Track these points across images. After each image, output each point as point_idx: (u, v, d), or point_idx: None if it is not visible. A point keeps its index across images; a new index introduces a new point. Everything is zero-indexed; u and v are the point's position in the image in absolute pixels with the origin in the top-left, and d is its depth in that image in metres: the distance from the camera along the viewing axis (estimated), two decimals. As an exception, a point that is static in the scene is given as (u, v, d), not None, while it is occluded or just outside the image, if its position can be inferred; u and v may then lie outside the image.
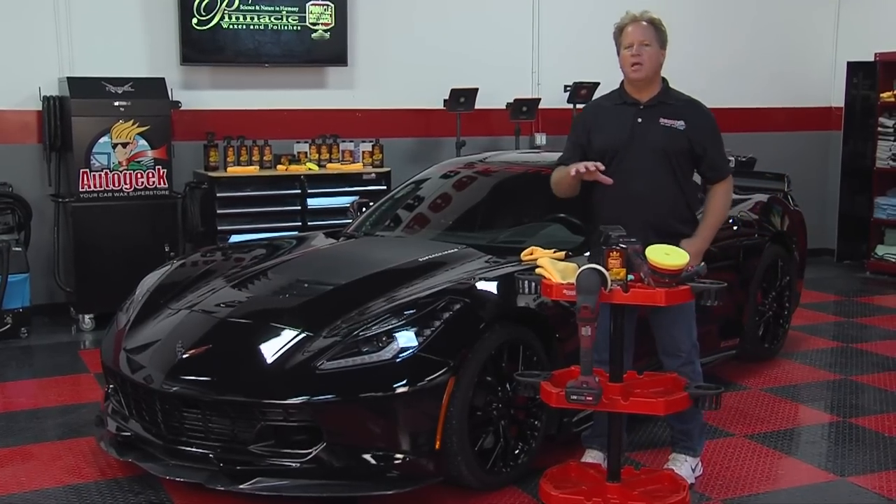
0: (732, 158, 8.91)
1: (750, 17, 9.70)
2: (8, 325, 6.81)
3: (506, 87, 8.49)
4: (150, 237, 7.12)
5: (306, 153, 7.85)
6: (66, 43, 7.35)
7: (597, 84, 8.22)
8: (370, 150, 7.97)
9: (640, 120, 4.19)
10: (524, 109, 8.40)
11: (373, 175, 7.84)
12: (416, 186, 5.95)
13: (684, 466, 4.28)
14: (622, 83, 4.30)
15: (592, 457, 4.37)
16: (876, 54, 9.10)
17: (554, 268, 3.87)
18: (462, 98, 8.21)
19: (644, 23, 4.16)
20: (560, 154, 4.47)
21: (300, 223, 7.57)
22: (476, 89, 8.23)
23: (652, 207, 4.12)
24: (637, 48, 4.12)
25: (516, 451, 4.31)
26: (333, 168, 7.83)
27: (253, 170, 7.58)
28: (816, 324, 7.29)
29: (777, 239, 6.30)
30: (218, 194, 7.38)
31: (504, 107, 8.47)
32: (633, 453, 4.66)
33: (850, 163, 9.52)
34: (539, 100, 8.51)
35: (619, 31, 4.22)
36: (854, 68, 9.39)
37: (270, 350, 4.12)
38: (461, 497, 4.18)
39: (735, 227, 5.90)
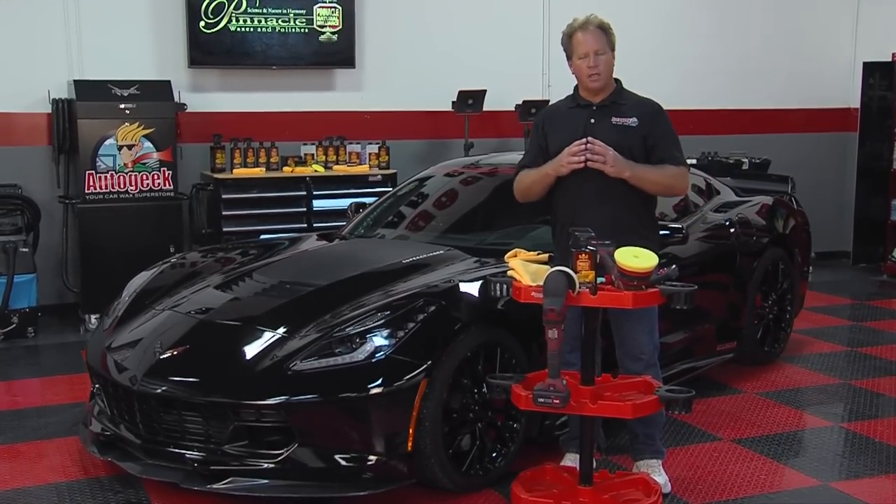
0: (747, 161, 8.92)
1: (765, 16, 9.58)
2: (14, 325, 6.91)
3: (515, 89, 8.45)
4: (156, 238, 7.17)
5: (313, 155, 7.89)
6: (75, 46, 7.44)
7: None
8: (377, 151, 7.99)
9: (592, 121, 4.18)
10: (533, 111, 8.35)
11: (378, 177, 7.85)
12: (410, 189, 5.97)
13: (661, 474, 4.25)
14: (576, 87, 4.29)
15: (571, 460, 4.33)
16: (894, 54, 8.98)
17: (525, 270, 3.85)
18: (470, 100, 8.21)
19: (593, 28, 4.13)
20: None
21: (306, 225, 7.60)
22: (484, 91, 8.23)
23: (608, 207, 4.08)
24: (593, 59, 4.11)
25: (494, 454, 4.30)
26: (339, 170, 7.86)
27: (259, 171, 7.62)
28: (823, 327, 7.19)
29: (778, 241, 6.23)
30: (223, 196, 7.43)
31: (513, 108, 8.45)
32: (615, 456, 4.62)
33: (866, 165, 9.40)
34: (548, 101, 8.46)
35: (567, 39, 4.20)
36: (870, 69, 9.26)
37: (245, 351, 4.15)
38: (437, 499, 4.18)
39: (732, 230, 5.85)
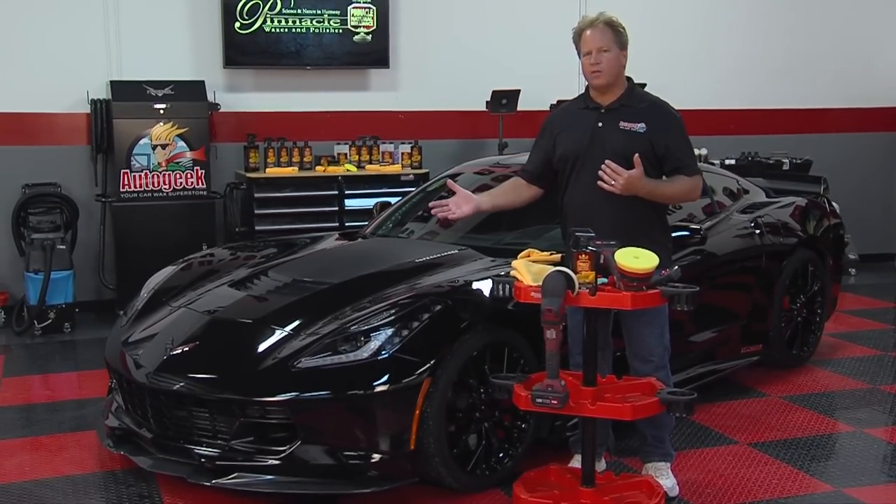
0: (788, 161, 8.78)
1: (809, 13, 9.40)
2: (51, 320, 7.06)
3: (550, 89, 8.36)
4: (189, 237, 7.27)
5: (346, 154, 7.94)
6: (114, 47, 7.59)
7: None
8: (409, 151, 8.03)
9: (600, 124, 4.14)
10: (568, 111, 8.32)
11: (411, 176, 7.89)
12: (433, 189, 5.97)
13: (669, 477, 4.21)
14: (587, 87, 4.25)
15: (579, 461, 4.31)
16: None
17: (527, 270, 3.84)
18: (504, 100, 8.20)
19: (601, 26, 4.09)
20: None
21: (338, 224, 7.67)
22: (518, 91, 8.22)
23: (615, 212, 4.04)
24: (596, 55, 4.07)
25: (501, 454, 4.29)
26: (372, 169, 7.91)
27: (292, 171, 7.70)
28: (860, 331, 7.05)
29: (808, 243, 6.12)
30: (256, 195, 7.53)
31: (548, 108, 8.41)
32: (627, 458, 4.59)
33: (912, 165, 9.21)
34: (584, 101, 8.42)
35: (577, 37, 4.16)
36: (917, 66, 9.07)
37: (252, 348, 4.19)
38: (443, 498, 4.18)
39: (757, 231, 5.76)
